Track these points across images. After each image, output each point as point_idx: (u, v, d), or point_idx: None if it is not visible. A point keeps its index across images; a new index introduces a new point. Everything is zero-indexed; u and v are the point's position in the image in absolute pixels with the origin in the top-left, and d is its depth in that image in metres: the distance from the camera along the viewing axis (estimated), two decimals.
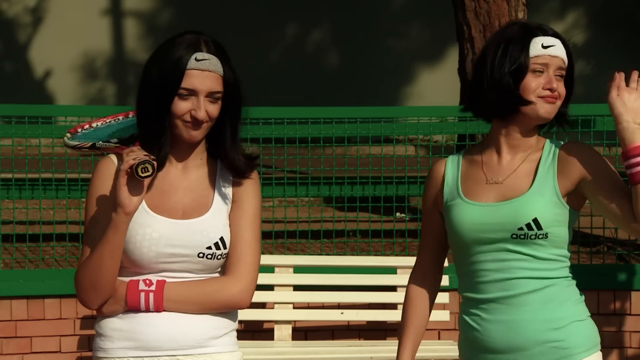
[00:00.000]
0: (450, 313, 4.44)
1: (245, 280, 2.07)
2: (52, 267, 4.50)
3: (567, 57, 2.18)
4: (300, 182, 4.73)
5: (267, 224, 4.72)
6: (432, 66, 10.33)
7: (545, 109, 2.12)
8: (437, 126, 4.74)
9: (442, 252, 2.25)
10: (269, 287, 4.27)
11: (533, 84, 2.11)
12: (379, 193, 4.71)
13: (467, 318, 2.17)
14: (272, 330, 4.25)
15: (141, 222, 2.02)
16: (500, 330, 2.11)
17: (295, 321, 4.25)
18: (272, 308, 4.27)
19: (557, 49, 2.18)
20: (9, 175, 4.55)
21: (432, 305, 2.28)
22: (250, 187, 2.12)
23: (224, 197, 2.09)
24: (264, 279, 4.27)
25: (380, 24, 10.30)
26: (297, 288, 4.27)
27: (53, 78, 10.11)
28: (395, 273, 4.36)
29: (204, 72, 2.05)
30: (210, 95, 2.06)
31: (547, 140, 2.19)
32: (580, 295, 2.20)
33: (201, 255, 2.03)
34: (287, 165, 4.75)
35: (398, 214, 4.55)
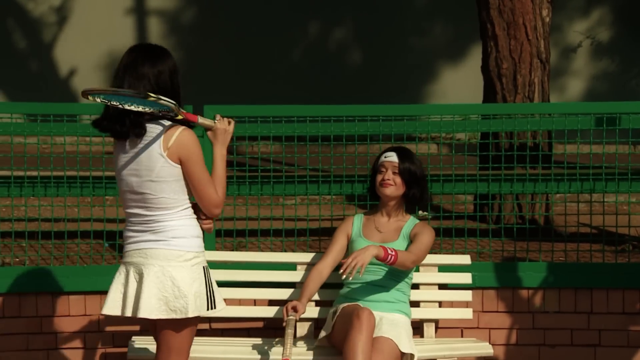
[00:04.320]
0: (474, 311, 4.43)
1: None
2: (76, 264, 4.54)
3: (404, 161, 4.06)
4: (323, 180, 4.73)
5: (290, 222, 4.73)
6: (455, 64, 10.28)
7: (382, 192, 4.06)
8: (460, 124, 4.72)
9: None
10: (292, 285, 4.28)
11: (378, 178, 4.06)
12: None
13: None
14: (295, 328, 4.25)
15: None
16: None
17: (317, 319, 4.25)
18: None
19: (393, 157, 4.05)
20: (35, 173, 4.59)
21: (320, 284, 4.06)
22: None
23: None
24: (286, 276, 4.28)
25: (403, 22, 10.27)
26: (322, 286, 4.27)
27: (77, 77, 10.18)
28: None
29: None
30: None
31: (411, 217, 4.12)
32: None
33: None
34: (310, 163, 4.76)
35: (420, 212, 4.54)
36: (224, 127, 3.19)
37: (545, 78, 5.66)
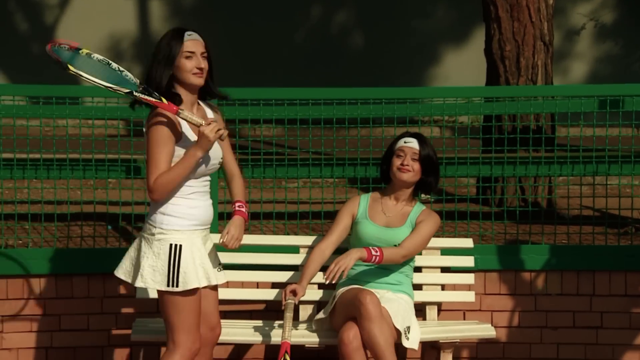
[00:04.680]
0: (476, 294, 4.43)
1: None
2: (79, 246, 4.55)
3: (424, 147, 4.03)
4: (325, 163, 4.73)
5: (292, 205, 4.73)
6: (458, 47, 10.24)
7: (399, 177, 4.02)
8: (463, 107, 4.71)
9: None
10: (294, 268, 4.28)
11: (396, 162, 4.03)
12: None
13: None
14: (297, 311, 4.27)
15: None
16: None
17: (319, 301, 4.26)
18: None
19: (414, 143, 4.02)
20: (37, 156, 4.59)
21: (322, 264, 3.99)
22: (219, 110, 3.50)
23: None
24: (289, 259, 4.29)
25: (406, 5, 10.22)
26: (322, 268, 4.28)
27: None
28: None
29: (195, 41, 3.30)
30: (202, 55, 3.31)
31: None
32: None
33: (219, 162, 3.41)
34: (312, 146, 4.75)
35: (423, 195, 4.54)
36: (208, 135, 3.21)
37: (549, 60, 5.64)
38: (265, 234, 4.67)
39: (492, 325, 4.32)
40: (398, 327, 3.76)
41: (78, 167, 4.65)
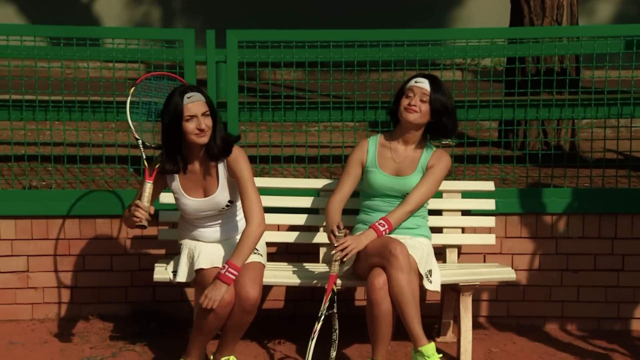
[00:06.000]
0: (496, 237, 4.44)
1: (258, 219, 3.68)
2: (102, 188, 4.59)
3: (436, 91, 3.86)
4: (346, 106, 4.70)
5: (313, 149, 4.73)
6: None
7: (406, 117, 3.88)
8: (486, 49, 4.64)
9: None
10: (314, 211, 4.30)
11: (404, 102, 3.88)
12: None
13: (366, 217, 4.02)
14: (317, 253, 4.30)
15: (182, 201, 3.77)
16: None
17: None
18: (317, 231, 4.31)
19: (424, 84, 3.86)
20: (59, 98, 4.61)
21: (341, 213, 3.97)
22: (236, 161, 3.69)
23: (223, 176, 3.73)
24: (309, 202, 4.31)
25: None
26: (343, 212, 4.29)
27: (99, 2, 10.11)
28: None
29: (195, 103, 3.62)
30: (203, 114, 3.63)
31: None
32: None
33: (220, 210, 3.78)
34: (333, 89, 4.72)
35: (443, 140, 4.51)
36: (132, 215, 3.62)
37: (574, 0, 5.53)
38: (285, 177, 4.68)
39: (512, 268, 4.33)
40: (421, 271, 3.78)
41: (100, 109, 4.66)
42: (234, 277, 3.56)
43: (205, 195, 3.74)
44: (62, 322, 4.47)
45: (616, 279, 4.54)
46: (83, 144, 4.81)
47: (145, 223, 3.58)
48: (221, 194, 3.71)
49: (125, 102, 3.95)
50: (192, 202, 3.74)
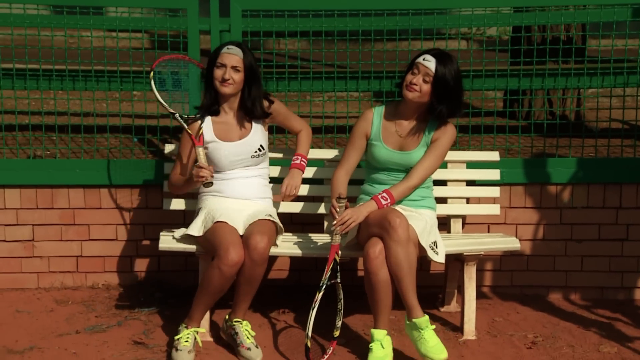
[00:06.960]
0: (501, 207, 4.43)
1: (307, 125, 4.20)
2: (106, 157, 4.59)
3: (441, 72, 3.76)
4: (350, 77, 4.68)
5: (317, 119, 4.72)
6: None
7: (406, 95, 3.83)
8: (492, 17, 4.61)
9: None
10: (319, 181, 4.30)
11: (407, 78, 3.82)
12: None
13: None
14: (322, 223, 4.31)
15: (216, 147, 3.93)
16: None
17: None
18: (322, 202, 4.31)
19: (431, 63, 3.77)
20: (62, 67, 4.59)
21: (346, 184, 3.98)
22: (277, 111, 4.05)
23: (256, 124, 4.01)
24: (314, 173, 4.30)
25: None
26: (350, 182, 4.29)
27: None
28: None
29: (230, 55, 3.88)
30: (233, 68, 3.88)
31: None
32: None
33: (252, 155, 3.98)
34: (337, 59, 4.70)
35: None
36: (198, 175, 3.79)
37: None
38: (290, 147, 4.67)
39: (516, 238, 4.34)
40: (423, 244, 3.78)
41: (103, 78, 4.65)
42: (305, 164, 4.04)
43: (239, 139, 3.94)
44: (68, 291, 4.50)
45: (620, 249, 4.55)
46: (87, 114, 4.80)
47: (212, 179, 3.80)
48: (254, 137, 3.94)
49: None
50: (226, 146, 3.91)
